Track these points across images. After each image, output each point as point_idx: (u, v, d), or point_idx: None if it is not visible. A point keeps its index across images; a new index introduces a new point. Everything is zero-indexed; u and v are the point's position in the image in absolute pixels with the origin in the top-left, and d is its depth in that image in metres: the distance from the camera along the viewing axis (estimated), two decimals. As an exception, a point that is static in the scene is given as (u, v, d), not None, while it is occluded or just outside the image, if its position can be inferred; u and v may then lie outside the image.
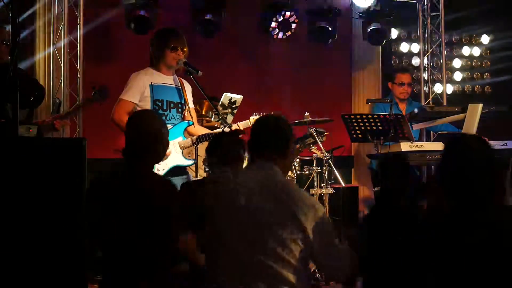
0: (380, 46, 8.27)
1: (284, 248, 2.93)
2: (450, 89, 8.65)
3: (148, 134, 3.63)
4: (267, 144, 3.18)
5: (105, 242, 3.52)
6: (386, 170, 3.82)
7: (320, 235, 2.97)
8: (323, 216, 3.01)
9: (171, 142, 5.35)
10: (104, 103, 5.77)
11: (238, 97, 5.76)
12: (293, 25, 7.66)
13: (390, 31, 8.42)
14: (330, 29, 7.75)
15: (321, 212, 3.01)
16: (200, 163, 6.03)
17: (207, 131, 5.62)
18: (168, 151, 5.24)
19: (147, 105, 5.31)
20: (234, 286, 2.98)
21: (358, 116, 5.87)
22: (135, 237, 3.43)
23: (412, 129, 6.35)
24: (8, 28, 4.99)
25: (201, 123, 6.18)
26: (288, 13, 7.59)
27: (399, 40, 8.67)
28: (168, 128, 5.33)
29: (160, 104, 5.36)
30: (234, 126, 5.58)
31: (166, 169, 5.29)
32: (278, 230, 2.93)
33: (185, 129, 5.48)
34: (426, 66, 8.16)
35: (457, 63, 8.91)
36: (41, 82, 6.62)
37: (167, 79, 5.45)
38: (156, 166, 5.27)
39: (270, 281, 2.93)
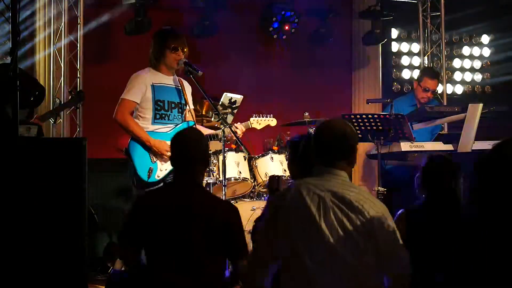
0: (380, 46, 8.27)
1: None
2: (450, 89, 8.65)
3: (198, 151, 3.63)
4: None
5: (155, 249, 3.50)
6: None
7: None
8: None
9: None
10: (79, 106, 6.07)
11: (238, 97, 5.75)
12: (293, 25, 7.66)
13: (390, 31, 8.43)
14: (330, 29, 7.75)
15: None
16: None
17: (209, 131, 5.62)
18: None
19: (148, 105, 5.31)
20: None
21: (358, 116, 5.87)
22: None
23: (412, 129, 6.34)
24: (8, 28, 4.99)
25: (201, 123, 6.18)
26: (288, 13, 7.59)
27: (399, 40, 8.66)
28: (170, 128, 5.38)
29: (161, 104, 5.36)
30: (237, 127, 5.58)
31: (169, 169, 5.29)
32: None
33: (187, 130, 5.48)
34: (426, 66, 8.15)
35: (457, 63, 8.90)
36: (41, 82, 6.63)
37: (168, 80, 5.45)
38: (159, 166, 5.27)
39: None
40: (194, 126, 5.49)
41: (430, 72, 7.14)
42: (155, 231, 3.45)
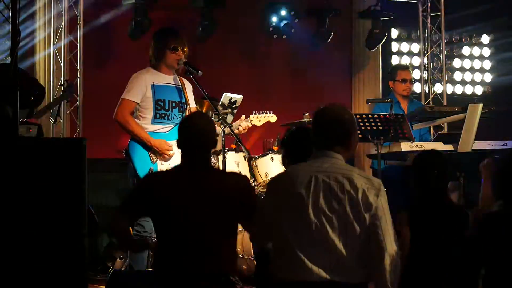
0: (380, 46, 8.27)
1: None
2: (450, 89, 8.65)
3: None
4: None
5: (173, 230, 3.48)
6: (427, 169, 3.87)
7: None
8: None
9: (174, 141, 5.36)
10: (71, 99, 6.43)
11: (238, 97, 5.75)
12: (293, 25, 7.67)
13: (390, 31, 8.43)
14: (330, 29, 7.76)
15: None
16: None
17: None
18: (172, 152, 5.28)
19: (149, 105, 5.32)
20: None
21: (358, 116, 5.86)
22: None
23: (412, 129, 6.33)
24: (8, 28, 5.00)
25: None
26: (288, 13, 7.60)
27: (399, 40, 8.66)
28: (170, 128, 5.38)
29: (162, 104, 5.36)
30: (235, 126, 5.58)
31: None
32: None
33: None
34: (426, 66, 8.15)
35: (457, 63, 8.90)
36: (41, 82, 6.63)
37: (168, 79, 5.46)
38: (159, 166, 5.27)
39: None
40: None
41: (399, 66, 7.67)
42: (168, 210, 3.44)
